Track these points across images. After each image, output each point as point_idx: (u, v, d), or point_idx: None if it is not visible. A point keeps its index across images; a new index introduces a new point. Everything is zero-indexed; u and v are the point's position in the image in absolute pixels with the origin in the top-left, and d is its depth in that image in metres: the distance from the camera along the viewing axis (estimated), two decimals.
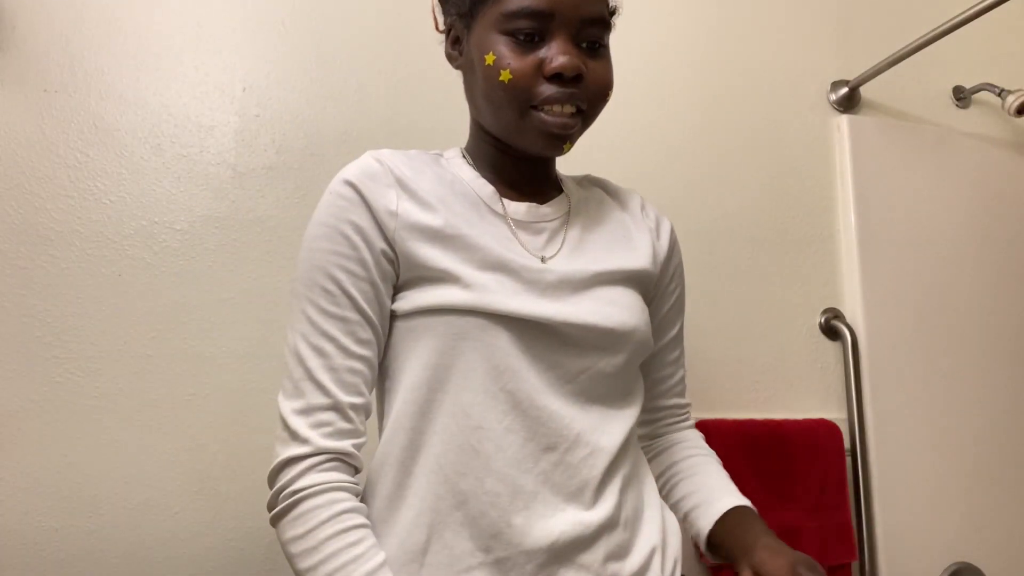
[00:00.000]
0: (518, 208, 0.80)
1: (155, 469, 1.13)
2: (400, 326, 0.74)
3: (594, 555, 0.71)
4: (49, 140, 1.18)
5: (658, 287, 0.90)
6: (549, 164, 0.87)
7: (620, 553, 0.73)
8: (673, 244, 0.92)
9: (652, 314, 0.89)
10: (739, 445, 1.34)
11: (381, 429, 0.78)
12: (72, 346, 1.13)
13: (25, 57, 1.19)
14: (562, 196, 0.85)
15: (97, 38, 1.23)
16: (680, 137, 1.50)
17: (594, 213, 0.86)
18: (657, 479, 0.92)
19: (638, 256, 0.84)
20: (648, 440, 0.97)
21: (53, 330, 1.12)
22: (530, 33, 0.72)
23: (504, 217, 0.78)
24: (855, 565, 1.41)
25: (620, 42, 1.53)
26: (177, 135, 1.24)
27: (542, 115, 0.73)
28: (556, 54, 0.72)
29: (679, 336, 0.95)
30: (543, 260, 0.77)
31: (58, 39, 1.21)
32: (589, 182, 0.93)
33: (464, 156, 0.84)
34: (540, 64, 0.72)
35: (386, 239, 0.73)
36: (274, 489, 0.69)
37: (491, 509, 0.68)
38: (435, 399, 0.71)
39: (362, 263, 0.72)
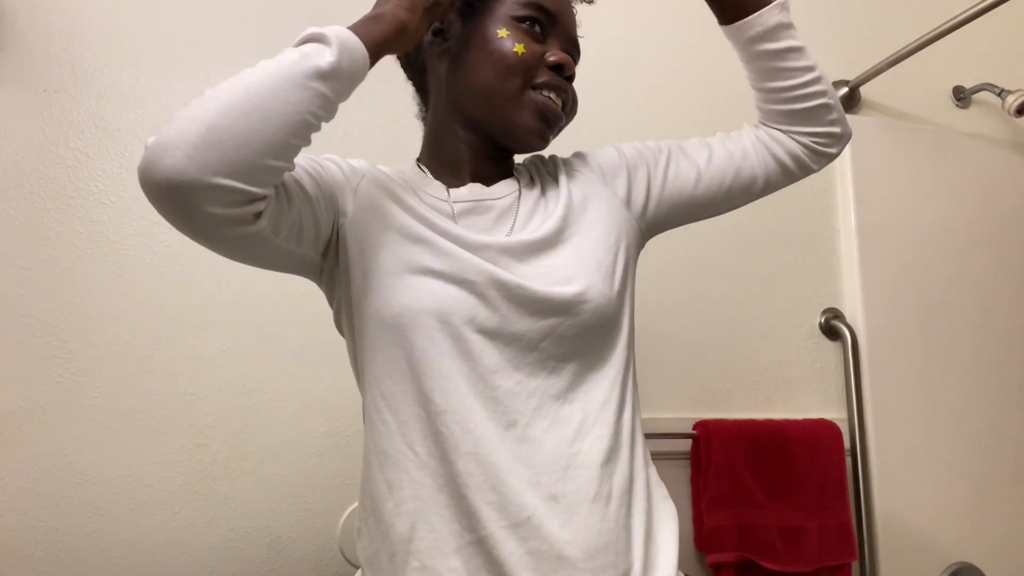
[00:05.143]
0: (460, 192, 0.82)
1: (155, 469, 1.13)
2: (364, 325, 0.76)
3: (573, 530, 0.70)
4: (49, 140, 1.18)
5: (611, 190, 0.85)
6: (510, 160, 0.88)
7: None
8: (570, 162, 0.90)
9: (650, 192, 0.86)
10: (739, 445, 1.34)
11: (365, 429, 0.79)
12: (72, 346, 1.13)
13: (25, 57, 1.19)
14: (511, 179, 0.86)
15: (97, 38, 1.23)
16: (680, 139, 1.50)
17: (545, 188, 0.85)
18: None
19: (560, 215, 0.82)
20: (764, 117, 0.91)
21: (53, 330, 1.12)
22: (535, 28, 0.81)
23: (447, 202, 0.80)
24: (855, 565, 1.41)
25: (624, 45, 1.53)
26: None
27: (541, 94, 0.80)
28: (557, 51, 0.81)
29: (670, 152, 0.89)
30: (489, 237, 0.78)
31: (58, 39, 1.21)
32: (549, 160, 0.92)
33: (417, 164, 0.88)
34: (543, 54, 0.81)
35: (350, 190, 0.79)
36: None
37: (466, 490, 0.69)
38: (402, 390, 0.73)
39: (328, 171, 0.79)
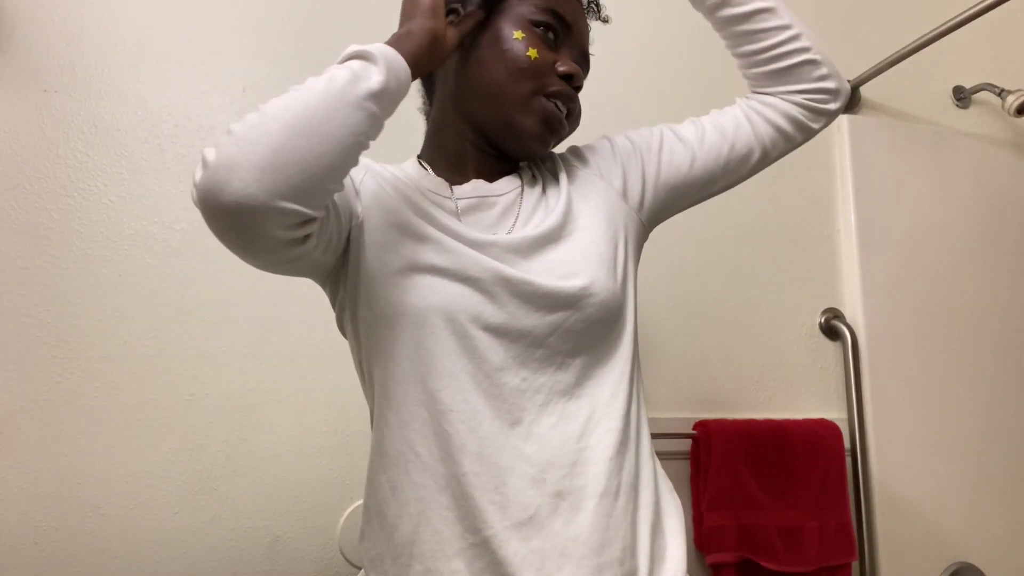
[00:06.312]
0: (463, 189, 0.81)
1: (155, 469, 1.13)
2: (368, 325, 0.76)
3: (578, 527, 0.69)
4: (49, 140, 1.18)
5: (607, 183, 0.85)
6: (511, 161, 0.87)
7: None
8: (567, 158, 0.89)
9: (645, 180, 0.86)
10: (740, 445, 1.34)
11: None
12: (72, 346, 1.13)
13: (25, 57, 1.19)
14: (513, 175, 0.85)
15: (97, 38, 1.23)
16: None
17: (546, 186, 0.85)
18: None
19: (562, 211, 0.81)
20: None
21: (53, 330, 1.12)
22: (548, 34, 0.81)
23: (451, 199, 0.80)
24: (855, 565, 1.41)
25: (624, 41, 1.53)
26: (177, 135, 1.24)
27: (548, 101, 0.80)
28: (568, 60, 0.82)
29: (662, 136, 0.88)
30: (492, 234, 0.77)
31: (58, 39, 1.21)
32: (548, 157, 0.91)
33: (418, 161, 0.87)
34: (554, 62, 0.81)
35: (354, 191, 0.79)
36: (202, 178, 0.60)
37: (472, 490, 0.69)
38: (404, 390, 0.73)
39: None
